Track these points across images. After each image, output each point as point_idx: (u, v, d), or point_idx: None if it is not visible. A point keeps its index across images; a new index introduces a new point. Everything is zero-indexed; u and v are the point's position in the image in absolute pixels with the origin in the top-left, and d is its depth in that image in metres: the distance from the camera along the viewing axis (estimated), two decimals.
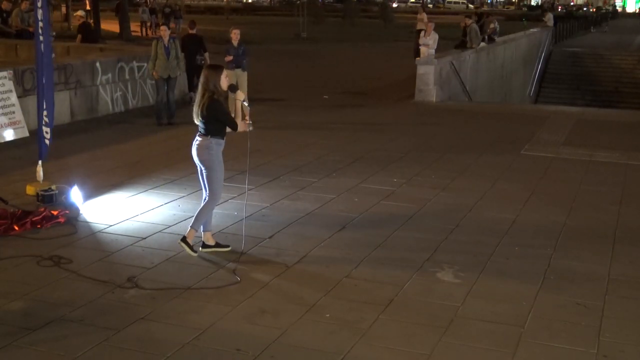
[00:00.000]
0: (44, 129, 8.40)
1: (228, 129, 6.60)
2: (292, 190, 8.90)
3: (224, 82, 6.50)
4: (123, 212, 7.83)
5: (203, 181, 6.73)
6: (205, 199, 6.73)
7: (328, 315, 5.54)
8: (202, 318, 5.41)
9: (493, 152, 11.39)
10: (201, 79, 6.53)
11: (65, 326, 5.23)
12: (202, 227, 6.79)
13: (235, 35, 13.15)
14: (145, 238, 7.08)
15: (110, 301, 5.67)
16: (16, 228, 7.15)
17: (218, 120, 6.49)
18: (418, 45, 22.15)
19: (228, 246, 6.83)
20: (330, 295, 5.88)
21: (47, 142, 8.48)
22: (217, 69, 6.57)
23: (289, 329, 5.28)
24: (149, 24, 36.74)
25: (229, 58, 13.03)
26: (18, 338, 5.01)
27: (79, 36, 19.10)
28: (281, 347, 5.01)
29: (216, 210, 7.77)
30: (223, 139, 6.61)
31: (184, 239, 6.67)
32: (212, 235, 6.88)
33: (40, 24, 8.19)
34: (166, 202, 8.28)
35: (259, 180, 9.21)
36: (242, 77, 13.22)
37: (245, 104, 6.68)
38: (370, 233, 7.42)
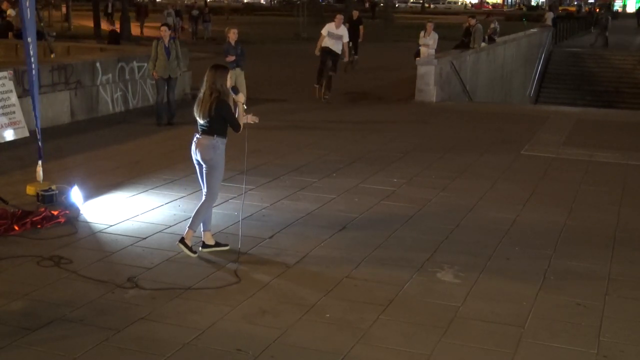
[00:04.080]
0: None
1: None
2: (292, 190, 8.90)
3: (229, 83, 6.56)
4: (123, 212, 7.83)
5: (202, 180, 6.74)
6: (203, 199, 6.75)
7: (328, 315, 5.54)
8: (202, 318, 5.41)
9: (493, 152, 11.39)
10: (207, 78, 6.52)
11: (65, 326, 5.23)
12: (201, 226, 6.80)
13: (233, 35, 13.20)
14: (145, 238, 7.08)
15: (110, 301, 5.67)
16: (16, 228, 7.15)
17: (224, 120, 6.51)
18: (320, 77, 16.06)
19: (227, 245, 6.84)
20: (330, 295, 5.88)
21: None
22: (223, 69, 6.59)
23: (289, 329, 5.28)
24: (174, 26, 35.32)
25: (231, 58, 13.06)
26: (18, 338, 5.01)
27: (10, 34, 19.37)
28: (281, 347, 5.01)
29: (216, 210, 7.77)
30: (226, 137, 6.63)
31: (182, 240, 6.67)
32: (212, 235, 6.88)
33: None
34: (166, 202, 8.28)
35: (259, 180, 9.21)
36: (240, 76, 13.42)
37: (245, 107, 6.73)
38: (370, 233, 7.42)
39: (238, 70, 13.32)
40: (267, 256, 6.73)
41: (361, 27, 22.55)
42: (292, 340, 5.13)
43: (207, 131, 6.55)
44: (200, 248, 6.75)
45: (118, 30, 20.89)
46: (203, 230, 6.82)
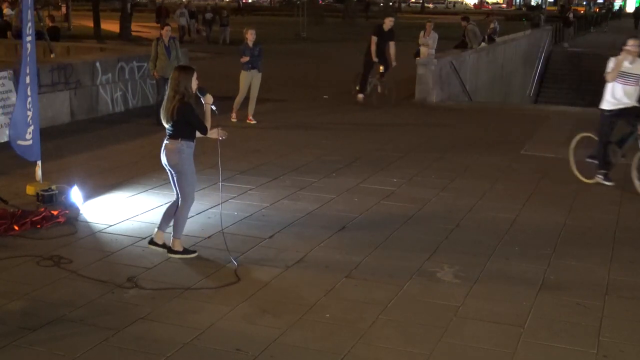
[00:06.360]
0: (27, 129, 8.26)
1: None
2: (292, 190, 8.90)
3: (194, 84, 6.39)
4: (123, 212, 7.83)
5: (174, 185, 6.64)
6: (176, 202, 6.66)
7: (328, 315, 5.54)
8: (202, 318, 5.41)
9: (493, 152, 11.39)
10: (171, 80, 6.38)
11: (65, 326, 5.23)
12: (163, 225, 6.73)
13: (250, 36, 12.95)
14: (145, 238, 7.06)
15: (110, 301, 5.67)
16: (16, 228, 7.15)
17: (188, 123, 6.38)
18: (606, 161, 9.34)
19: (195, 252, 6.67)
20: (330, 295, 5.88)
21: (29, 142, 8.34)
22: (188, 70, 6.43)
23: (289, 329, 5.28)
24: (189, 28, 34.08)
25: (245, 59, 12.87)
26: (18, 338, 5.01)
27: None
28: (281, 347, 5.01)
29: (215, 211, 7.78)
30: (193, 141, 6.48)
31: (170, 250, 6.60)
32: (164, 236, 6.78)
33: (29, 23, 8.18)
34: (166, 202, 8.24)
35: (259, 180, 9.21)
36: (257, 77, 13.10)
37: (214, 107, 6.56)
38: (370, 233, 7.42)
39: (255, 71, 12.98)
40: (267, 256, 6.73)
41: (392, 44, 15.88)
42: (292, 340, 5.13)
43: (172, 135, 6.40)
44: (147, 243, 6.73)
45: (54, 24, 20.69)
46: (157, 229, 6.75)
